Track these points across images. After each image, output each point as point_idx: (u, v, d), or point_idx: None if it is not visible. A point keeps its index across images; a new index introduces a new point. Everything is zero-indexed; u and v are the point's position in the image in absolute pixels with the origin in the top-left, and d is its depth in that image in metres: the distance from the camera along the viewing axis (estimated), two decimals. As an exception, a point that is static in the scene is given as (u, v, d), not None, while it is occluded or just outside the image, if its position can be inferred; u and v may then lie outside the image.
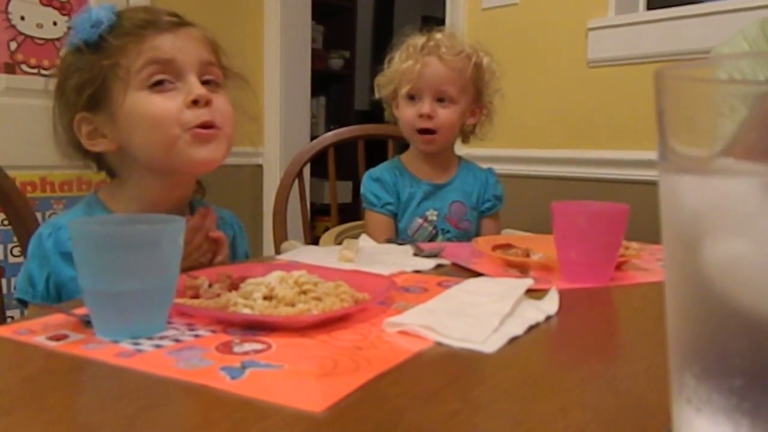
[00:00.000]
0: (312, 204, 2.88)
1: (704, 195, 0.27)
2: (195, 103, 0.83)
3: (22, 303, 0.84)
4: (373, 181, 1.33)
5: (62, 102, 0.88)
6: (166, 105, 0.83)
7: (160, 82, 0.83)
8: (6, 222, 1.09)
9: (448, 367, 0.51)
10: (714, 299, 0.27)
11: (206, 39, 0.90)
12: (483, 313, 0.61)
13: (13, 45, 2.08)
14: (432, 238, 1.31)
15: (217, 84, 0.89)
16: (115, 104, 0.84)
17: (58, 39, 2.17)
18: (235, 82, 0.95)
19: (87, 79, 0.84)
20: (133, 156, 0.87)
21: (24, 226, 1.03)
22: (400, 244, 1.08)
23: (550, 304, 0.67)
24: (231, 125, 0.89)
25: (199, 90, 0.84)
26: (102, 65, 0.83)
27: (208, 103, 0.84)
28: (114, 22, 0.84)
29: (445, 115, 1.27)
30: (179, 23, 0.87)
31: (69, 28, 0.86)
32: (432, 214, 1.32)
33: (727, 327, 0.27)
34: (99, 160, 0.92)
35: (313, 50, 3.04)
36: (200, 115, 0.84)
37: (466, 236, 1.31)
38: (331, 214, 1.67)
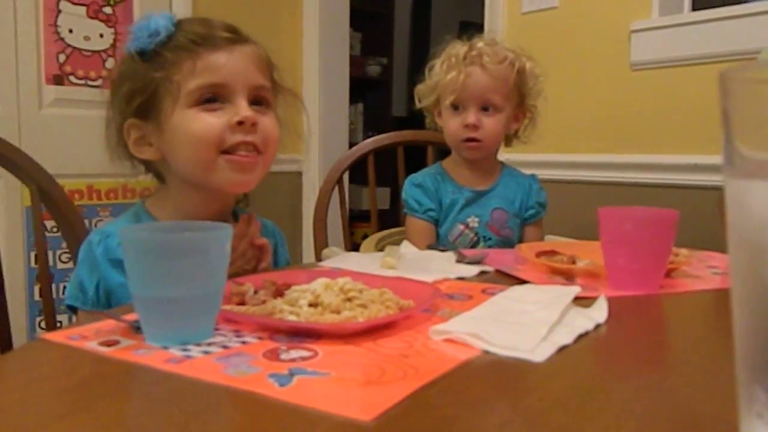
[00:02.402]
0: (350, 210, 2.89)
1: (774, 201, 0.26)
2: (240, 124, 0.83)
3: (72, 310, 0.86)
4: (414, 187, 1.33)
5: (114, 106, 0.89)
6: (211, 123, 0.83)
7: (209, 100, 0.84)
8: (55, 229, 1.12)
9: (496, 377, 0.51)
10: (786, 309, 0.26)
11: (260, 58, 0.89)
12: (530, 321, 0.60)
13: (62, 57, 2.14)
14: (473, 245, 1.30)
15: (266, 105, 0.89)
16: (163, 116, 0.85)
17: (104, 50, 2.22)
18: (284, 97, 0.95)
19: (137, 89, 0.85)
20: (173, 168, 0.88)
21: (73, 233, 1.05)
22: (442, 250, 1.07)
23: (598, 312, 0.66)
24: (274, 149, 0.89)
25: (246, 112, 0.84)
26: (154, 77, 0.84)
27: (254, 125, 0.85)
28: (171, 32, 0.85)
29: (490, 124, 1.27)
30: (235, 39, 0.87)
31: (129, 32, 0.87)
32: (473, 221, 1.31)
33: (801, 339, 0.25)
34: (147, 164, 0.94)
35: (351, 57, 3.05)
36: (241, 137, 0.84)
37: (507, 243, 1.30)
38: (370, 220, 1.67)
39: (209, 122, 0.83)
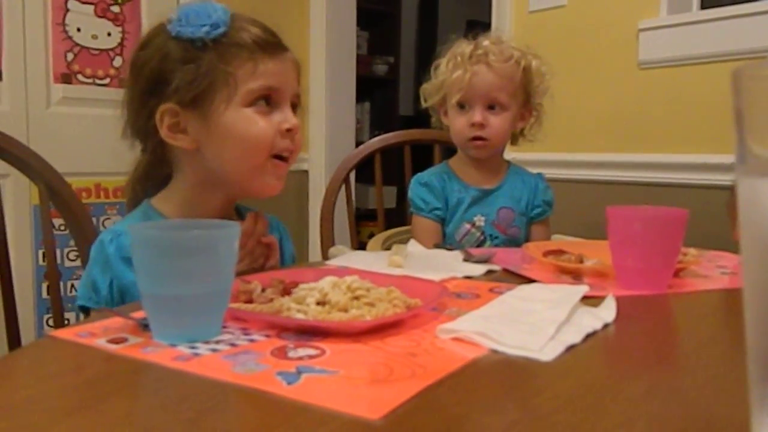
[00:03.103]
0: (356, 209, 2.89)
1: (788, 199, 0.26)
2: (289, 131, 0.87)
3: (84, 311, 0.85)
4: (421, 186, 1.32)
5: (153, 88, 0.86)
6: (266, 127, 0.85)
7: (261, 104, 0.85)
8: (63, 227, 1.12)
9: (505, 376, 0.50)
10: (800, 309, 0.25)
11: (298, 67, 0.92)
12: (538, 320, 0.60)
13: (70, 56, 2.14)
14: (480, 244, 1.30)
15: (296, 113, 0.91)
16: (213, 110, 0.84)
17: (112, 49, 2.23)
18: None
19: (194, 78, 0.84)
20: (209, 162, 0.87)
21: (81, 231, 1.05)
22: (449, 249, 1.07)
23: (607, 312, 0.65)
24: (298, 154, 0.92)
25: (294, 121, 0.87)
26: (216, 68, 0.83)
27: (296, 133, 0.88)
28: (228, 27, 0.85)
29: (496, 122, 1.26)
30: (283, 46, 0.89)
31: (179, 17, 0.84)
32: (480, 220, 1.30)
33: (815, 338, 0.25)
34: (161, 148, 0.90)
35: (358, 56, 3.05)
36: (288, 143, 0.87)
37: (514, 242, 1.29)
38: (377, 219, 1.67)
39: (264, 126, 0.85)
